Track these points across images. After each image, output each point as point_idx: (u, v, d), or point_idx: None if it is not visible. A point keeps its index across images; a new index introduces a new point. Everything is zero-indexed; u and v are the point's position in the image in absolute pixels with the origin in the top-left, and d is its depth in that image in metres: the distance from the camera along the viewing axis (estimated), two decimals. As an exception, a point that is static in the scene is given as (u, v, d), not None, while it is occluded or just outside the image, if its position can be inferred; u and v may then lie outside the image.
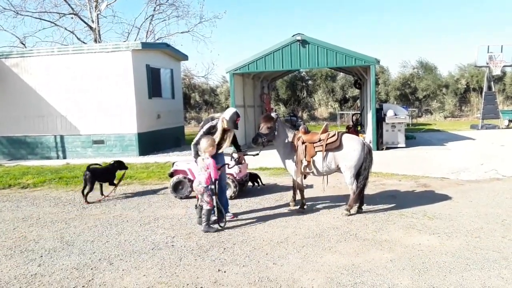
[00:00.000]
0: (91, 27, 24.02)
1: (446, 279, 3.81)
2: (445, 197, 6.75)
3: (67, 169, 10.69)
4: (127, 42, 19.25)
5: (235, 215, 6.05)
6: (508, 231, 5.01)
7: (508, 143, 13.32)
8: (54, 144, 13.30)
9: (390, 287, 3.70)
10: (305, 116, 29.35)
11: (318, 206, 6.43)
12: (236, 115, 5.65)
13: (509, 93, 27.08)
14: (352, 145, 5.82)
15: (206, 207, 5.34)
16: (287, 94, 29.41)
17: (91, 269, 4.33)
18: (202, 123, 5.91)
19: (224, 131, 5.71)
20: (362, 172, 5.82)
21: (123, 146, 12.94)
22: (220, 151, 5.77)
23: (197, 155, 5.62)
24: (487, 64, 18.85)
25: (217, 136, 5.64)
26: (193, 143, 5.72)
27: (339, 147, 5.79)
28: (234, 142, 6.18)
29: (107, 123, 12.87)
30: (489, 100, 19.20)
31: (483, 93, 19.63)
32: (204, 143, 5.40)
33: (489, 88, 19.43)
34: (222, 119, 5.65)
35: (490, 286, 3.64)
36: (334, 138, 5.79)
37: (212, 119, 5.79)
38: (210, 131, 5.70)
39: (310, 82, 30.34)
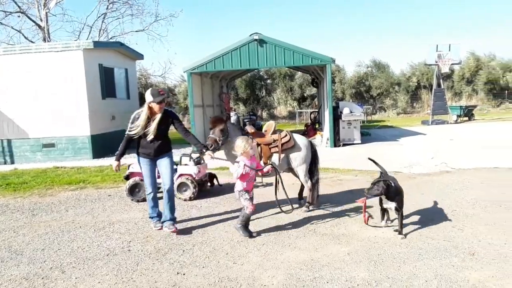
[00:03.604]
0: (39, 26, 22.93)
1: (401, 269, 3.93)
2: (399, 191, 6.97)
3: (15, 175, 10.13)
4: (78, 41, 18.55)
5: (177, 228, 5.34)
6: (458, 221, 5.25)
7: (456, 138, 14.03)
8: (0, 149, 12.55)
9: (348, 280, 3.77)
10: (264, 115, 29.51)
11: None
12: (156, 89, 5.12)
13: (457, 89, 28.56)
14: (302, 143, 5.94)
15: (245, 211, 5.00)
16: (246, 93, 29.45)
17: (42, 278, 4.12)
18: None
19: (151, 113, 5.11)
20: (313, 169, 5.98)
21: (75, 149, 12.42)
22: (149, 138, 5.12)
23: (121, 154, 5.27)
24: (436, 62, 19.75)
25: (139, 126, 5.06)
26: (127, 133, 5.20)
27: (293, 146, 5.85)
28: (185, 135, 5.40)
29: (58, 125, 12.29)
30: (438, 97, 20.13)
31: (433, 90, 20.58)
32: (240, 143, 4.92)
33: (439, 85, 20.38)
34: (147, 104, 5.07)
35: (442, 274, 3.79)
36: (288, 138, 5.83)
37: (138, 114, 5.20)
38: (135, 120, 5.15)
39: (269, 81, 30.55)
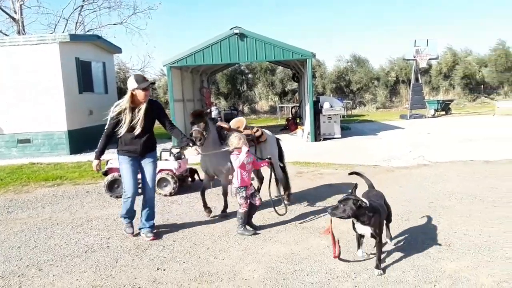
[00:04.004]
0: (13, 19, 22.29)
1: (379, 261, 3.99)
2: (377, 184, 7.03)
3: (-11, 172, 9.85)
4: (54, 34, 18.11)
5: (156, 235, 4.96)
6: (434, 213, 5.36)
7: (433, 131, 14.31)
8: (-27, 145, 12.18)
9: (328, 272, 3.80)
10: (246, 109, 29.47)
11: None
12: (140, 75, 4.80)
13: (434, 84, 29.09)
14: (272, 138, 6.00)
15: (240, 209, 4.89)
16: (227, 88, 29.33)
17: (18, 276, 4.02)
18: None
19: (134, 102, 4.61)
20: (280, 162, 6.07)
21: (51, 145, 12.14)
22: (136, 132, 4.64)
23: (101, 152, 4.77)
24: (414, 57, 20.05)
25: (126, 118, 4.56)
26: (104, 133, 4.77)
27: (266, 141, 5.87)
28: (171, 129, 4.97)
29: (34, 120, 11.99)
30: (416, 91, 20.47)
31: (411, 85, 20.89)
32: (234, 139, 4.83)
33: (417, 80, 20.71)
34: (130, 91, 4.57)
35: (419, 265, 3.87)
36: (260, 132, 5.85)
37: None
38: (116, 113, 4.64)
39: (250, 75, 30.47)
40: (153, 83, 4.81)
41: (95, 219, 5.80)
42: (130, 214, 5.00)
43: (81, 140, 12.55)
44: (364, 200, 3.70)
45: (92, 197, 7.11)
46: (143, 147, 4.74)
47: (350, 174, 4.76)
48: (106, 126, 4.71)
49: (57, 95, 11.94)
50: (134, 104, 4.60)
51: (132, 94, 4.57)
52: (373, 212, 3.73)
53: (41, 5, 31.99)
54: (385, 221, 4.14)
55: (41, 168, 10.14)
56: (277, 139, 6.22)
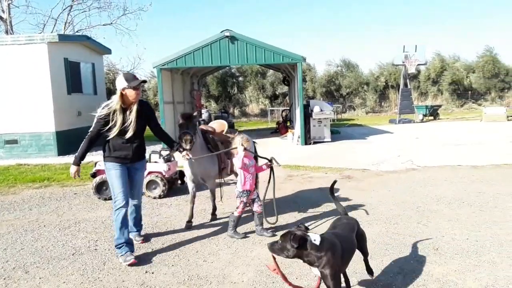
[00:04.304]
0: (1, 18, 22.01)
1: (368, 264, 4.01)
2: (366, 187, 7.14)
3: (-25, 172, 9.68)
4: (42, 34, 17.86)
5: (145, 239, 4.90)
6: (422, 217, 5.41)
7: (422, 136, 14.47)
8: (-41, 146, 11.98)
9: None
10: (236, 112, 29.46)
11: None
12: (130, 73, 4.46)
13: (423, 89, 29.47)
14: (251, 141, 5.98)
15: (235, 212, 4.84)
16: (218, 91, 29.33)
17: (4, 279, 3.97)
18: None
19: (124, 103, 4.23)
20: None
21: (39, 146, 11.99)
22: (127, 136, 4.24)
23: (82, 157, 4.32)
24: (403, 62, 20.30)
25: (116, 120, 4.17)
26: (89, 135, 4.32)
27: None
28: (160, 134, 4.75)
29: (21, 121, 11.84)
30: (405, 96, 20.71)
31: (400, 90, 21.13)
32: (238, 140, 4.84)
33: (405, 85, 20.96)
34: (120, 91, 4.18)
35: (407, 268, 3.90)
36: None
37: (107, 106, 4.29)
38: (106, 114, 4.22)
39: (240, 78, 30.54)
40: (144, 81, 4.52)
41: (83, 221, 5.74)
42: (126, 239, 4.31)
43: (69, 141, 12.40)
44: (311, 236, 2.90)
45: (80, 199, 7.03)
46: (134, 153, 4.35)
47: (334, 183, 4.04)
48: (91, 128, 4.29)
49: (45, 96, 11.81)
50: (124, 105, 4.23)
51: (121, 94, 4.18)
52: (323, 249, 2.87)
53: (29, 4, 31.62)
54: (362, 255, 3.62)
55: (28, 169, 10.01)
56: (254, 142, 6.19)
